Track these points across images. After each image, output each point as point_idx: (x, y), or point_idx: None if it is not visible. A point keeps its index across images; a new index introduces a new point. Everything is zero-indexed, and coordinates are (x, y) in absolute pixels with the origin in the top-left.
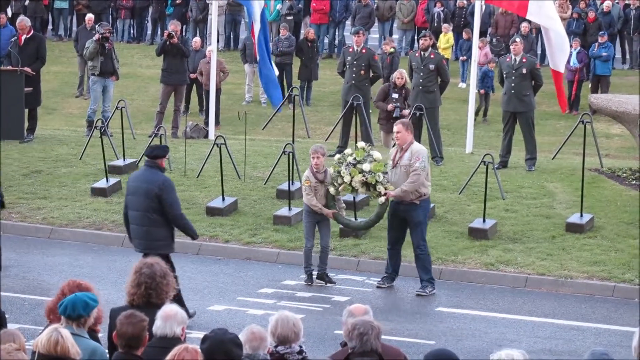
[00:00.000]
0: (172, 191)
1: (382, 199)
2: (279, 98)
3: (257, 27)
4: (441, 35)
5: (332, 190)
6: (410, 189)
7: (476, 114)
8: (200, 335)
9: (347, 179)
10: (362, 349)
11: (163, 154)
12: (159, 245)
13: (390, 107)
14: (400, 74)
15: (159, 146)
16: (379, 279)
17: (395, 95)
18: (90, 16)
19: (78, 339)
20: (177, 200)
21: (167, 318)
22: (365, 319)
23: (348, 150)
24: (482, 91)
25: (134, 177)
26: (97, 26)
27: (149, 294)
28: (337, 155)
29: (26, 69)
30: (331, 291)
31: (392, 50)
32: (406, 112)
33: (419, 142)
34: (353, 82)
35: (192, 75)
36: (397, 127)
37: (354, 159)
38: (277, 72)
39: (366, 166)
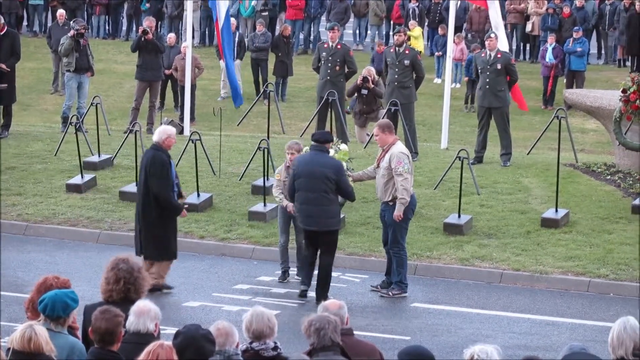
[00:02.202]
0: (344, 173)
1: None
2: (237, 96)
3: (220, 24)
4: (410, 31)
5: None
6: (406, 196)
7: (465, 101)
8: (175, 331)
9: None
10: (322, 344)
11: (331, 139)
12: (335, 222)
13: (359, 81)
14: (369, 71)
15: (326, 132)
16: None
17: (364, 92)
18: (61, 12)
19: (57, 335)
20: (348, 181)
21: (141, 314)
22: (321, 315)
23: None
24: (466, 78)
25: (304, 161)
26: (71, 22)
27: (127, 289)
28: (306, 148)
29: (1, 65)
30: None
31: None
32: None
33: None
34: (328, 77)
35: (167, 72)
36: (374, 130)
37: (337, 147)
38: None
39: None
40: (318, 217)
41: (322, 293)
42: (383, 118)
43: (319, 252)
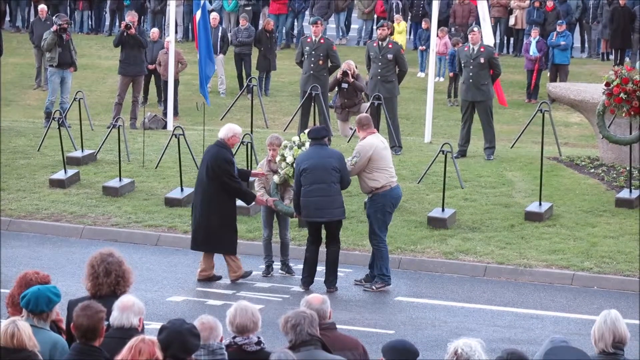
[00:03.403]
0: (345, 161)
1: None
2: (204, 91)
3: (197, 17)
4: (395, 25)
5: (276, 178)
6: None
7: (449, 95)
8: (159, 326)
9: (289, 159)
10: (300, 339)
11: (327, 134)
12: (342, 211)
13: (338, 75)
14: (348, 65)
15: (321, 127)
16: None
17: (344, 86)
18: (43, 7)
19: (39, 331)
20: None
21: (124, 309)
22: (296, 311)
23: (295, 137)
24: (451, 74)
25: (307, 156)
26: (54, 17)
27: (117, 282)
28: (284, 142)
29: None
30: (290, 281)
31: None
32: (351, 80)
33: (378, 131)
34: (311, 72)
35: (150, 66)
36: (355, 125)
37: (299, 141)
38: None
39: (307, 145)
40: (328, 208)
41: (333, 280)
42: (366, 112)
43: (326, 243)
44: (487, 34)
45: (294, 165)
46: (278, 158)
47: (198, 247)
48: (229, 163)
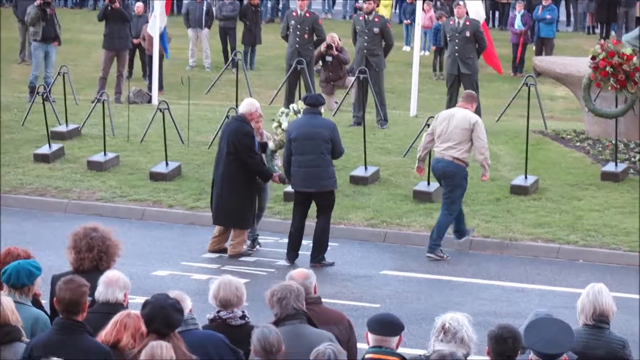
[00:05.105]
0: (338, 131)
1: None
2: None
3: None
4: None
5: (271, 145)
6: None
7: (434, 69)
8: (144, 300)
9: (285, 125)
10: (285, 313)
11: (323, 102)
12: (332, 182)
13: (322, 48)
14: (332, 38)
15: (318, 94)
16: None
17: (329, 59)
18: None
19: (21, 306)
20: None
21: (110, 284)
22: (283, 284)
23: (293, 104)
24: (434, 47)
25: (298, 125)
26: None
27: (100, 257)
28: (282, 109)
29: None
30: (276, 255)
31: None
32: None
33: (364, 106)
34: (297, 46)
35: (135, 41)
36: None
37: (297, 107)
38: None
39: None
40: (317, 179)
41: (319, 254)
42: (351, 86)
43: (316, 216)
44: (477, 10)
45: (286, 131)
46: (274, 124)
47: (219, 222)
48: (251, 137)
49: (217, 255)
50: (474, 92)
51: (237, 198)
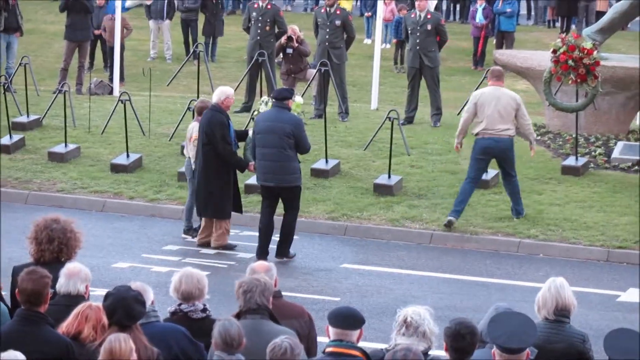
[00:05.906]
0: (304, 128)
1: None
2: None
3: None
4: None
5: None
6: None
7: (395, 62)
8: (105, 292)
9: None
10: (247, 307)
11: (290, 96)
12: (294, 178)
13: (283, 40)
14: (293, 30)
15: (285, 89)
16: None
17: (289, 51)
18: None
19: None
20: (306, 136)
21: (71, 275)
22: (251, 277)
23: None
24: (395, 40)
25: (264, 117)
26: None
27: (60, 249)
28: (263, 97)
29: None
30: (236, 248)
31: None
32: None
33: (326, 99)
34: (258, 38)
35: (96, 32)
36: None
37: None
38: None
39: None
40: (276, 174)
41: (284, 249)
42: (312, 78)
43: (283, 210)
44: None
45: (254, 124)
46: (255, 113)
47: (199, 212)
48: (224, 127)
49: (177, 247)
50: (500, 68)
51: (215, 188)
